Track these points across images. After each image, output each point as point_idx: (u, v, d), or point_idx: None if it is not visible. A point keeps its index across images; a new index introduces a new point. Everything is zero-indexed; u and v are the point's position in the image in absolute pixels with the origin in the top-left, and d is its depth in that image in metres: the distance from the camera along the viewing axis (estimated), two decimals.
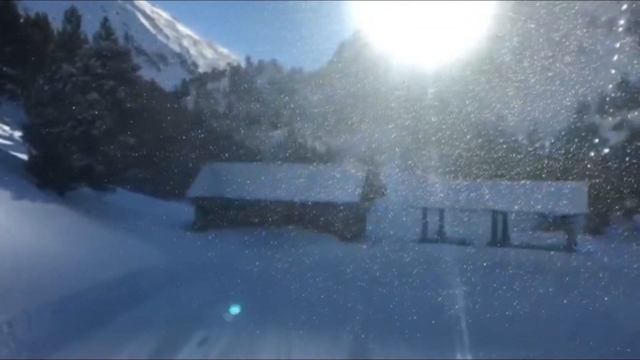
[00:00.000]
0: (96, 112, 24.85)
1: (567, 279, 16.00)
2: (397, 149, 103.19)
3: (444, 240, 29.78)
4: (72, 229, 19.08)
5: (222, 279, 15.51)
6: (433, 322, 10.88)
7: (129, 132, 27.54)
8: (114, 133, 26.11)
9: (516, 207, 28.02)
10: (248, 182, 30.73)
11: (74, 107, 23.80)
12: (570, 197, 27.23)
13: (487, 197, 28.75)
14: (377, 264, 18.84)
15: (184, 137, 59.12)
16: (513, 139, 75.18)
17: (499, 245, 28.31)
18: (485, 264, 19.28)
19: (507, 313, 11.77)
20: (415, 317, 11.35)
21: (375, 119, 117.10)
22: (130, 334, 9.42)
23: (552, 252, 25.15)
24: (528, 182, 30.50)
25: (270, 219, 30.04)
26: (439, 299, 12.61)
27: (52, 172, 23.25)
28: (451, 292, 13.41)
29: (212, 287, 13.83)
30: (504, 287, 14.52)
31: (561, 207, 27.22)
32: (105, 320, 10.10)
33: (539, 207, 27.76)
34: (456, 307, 12.29)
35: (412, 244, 27.34)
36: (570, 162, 46.07)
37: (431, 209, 30.91)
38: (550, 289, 14.09)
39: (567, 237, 28.31)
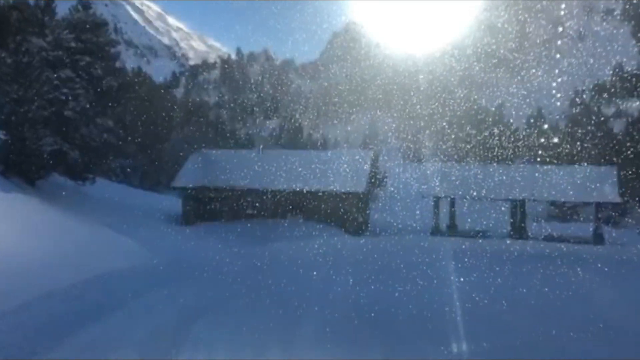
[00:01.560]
0: (69, 91, 22.02)
1: (619, 278, 13.36)
2: (393, 136, 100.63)
3: (457, 232, 27.12)
4: (38, 222, 16.26)
5: (210, 281, 12.83)
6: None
7: (108, 115, 24.72)
8: (91, 115, 23.28)
9: (541, 195, 25.22)
10: (241, 170, 28.06)
11: (42, 85, 20.94)
12: (599, 183, 24.52)
13: (504, 184, 26.09)
14: (389, 263, 16.00)
15: (174, 127, 56.58)
16: (511, 121, 72.57)
17: (519, 237, 25.60)
18: (512, 260, 16.62)
19: (564, 325, 9.11)
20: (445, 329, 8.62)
21: (369, 107, 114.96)
22: None
23: (579, 245, 22.32)
24: (548, 166, 27.67)
25: (265, 210, 27.46)
26: (483, 311, 9.88)
27: (18, 158, 20.42)
28: (489, 300, 10.72)
29: (198, 293, 11.09)
30: (546, 290, 11.80)
31: (588, 194, 24.60)
32: (51, 342, 7.39)
33: (563, 194, 25.15)
34: (499, 316, 9.66)
35: (424, 236, 24.70)
36: (578, 148, 43.57)
37: (441, 198, 28.26)
38: (609, 295, 11.43)
39: (595, 227, 25.63)
